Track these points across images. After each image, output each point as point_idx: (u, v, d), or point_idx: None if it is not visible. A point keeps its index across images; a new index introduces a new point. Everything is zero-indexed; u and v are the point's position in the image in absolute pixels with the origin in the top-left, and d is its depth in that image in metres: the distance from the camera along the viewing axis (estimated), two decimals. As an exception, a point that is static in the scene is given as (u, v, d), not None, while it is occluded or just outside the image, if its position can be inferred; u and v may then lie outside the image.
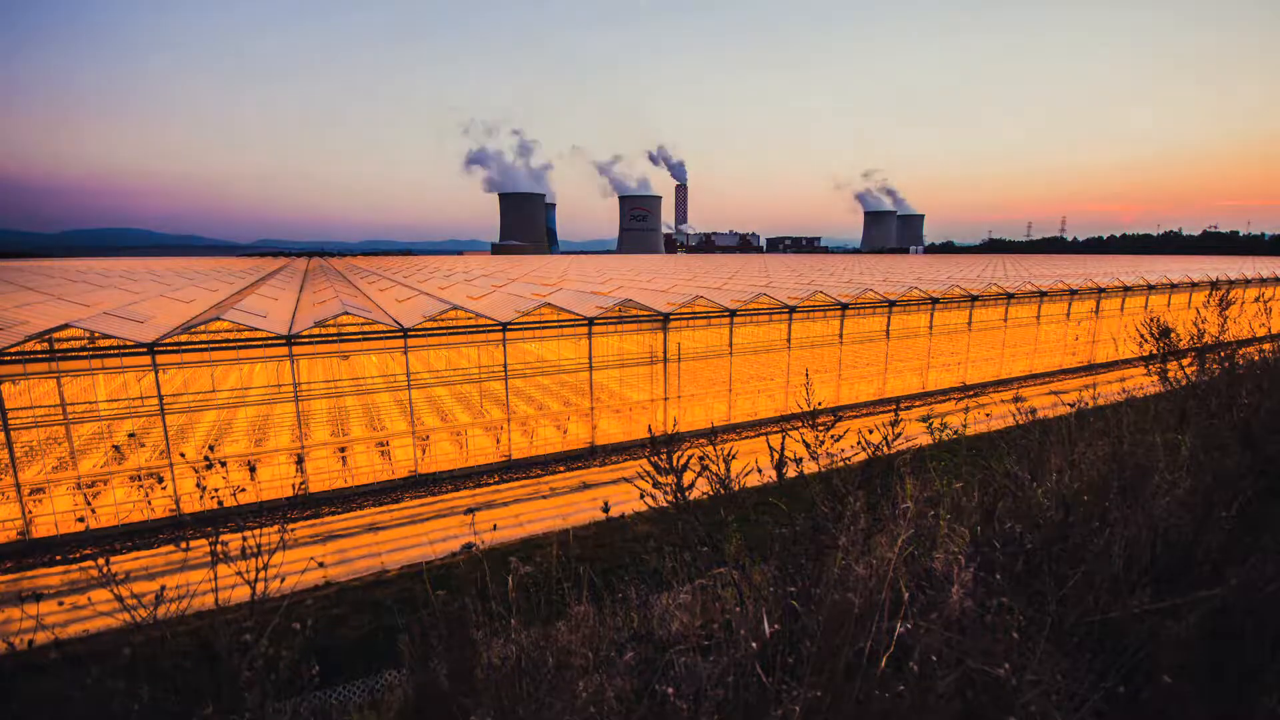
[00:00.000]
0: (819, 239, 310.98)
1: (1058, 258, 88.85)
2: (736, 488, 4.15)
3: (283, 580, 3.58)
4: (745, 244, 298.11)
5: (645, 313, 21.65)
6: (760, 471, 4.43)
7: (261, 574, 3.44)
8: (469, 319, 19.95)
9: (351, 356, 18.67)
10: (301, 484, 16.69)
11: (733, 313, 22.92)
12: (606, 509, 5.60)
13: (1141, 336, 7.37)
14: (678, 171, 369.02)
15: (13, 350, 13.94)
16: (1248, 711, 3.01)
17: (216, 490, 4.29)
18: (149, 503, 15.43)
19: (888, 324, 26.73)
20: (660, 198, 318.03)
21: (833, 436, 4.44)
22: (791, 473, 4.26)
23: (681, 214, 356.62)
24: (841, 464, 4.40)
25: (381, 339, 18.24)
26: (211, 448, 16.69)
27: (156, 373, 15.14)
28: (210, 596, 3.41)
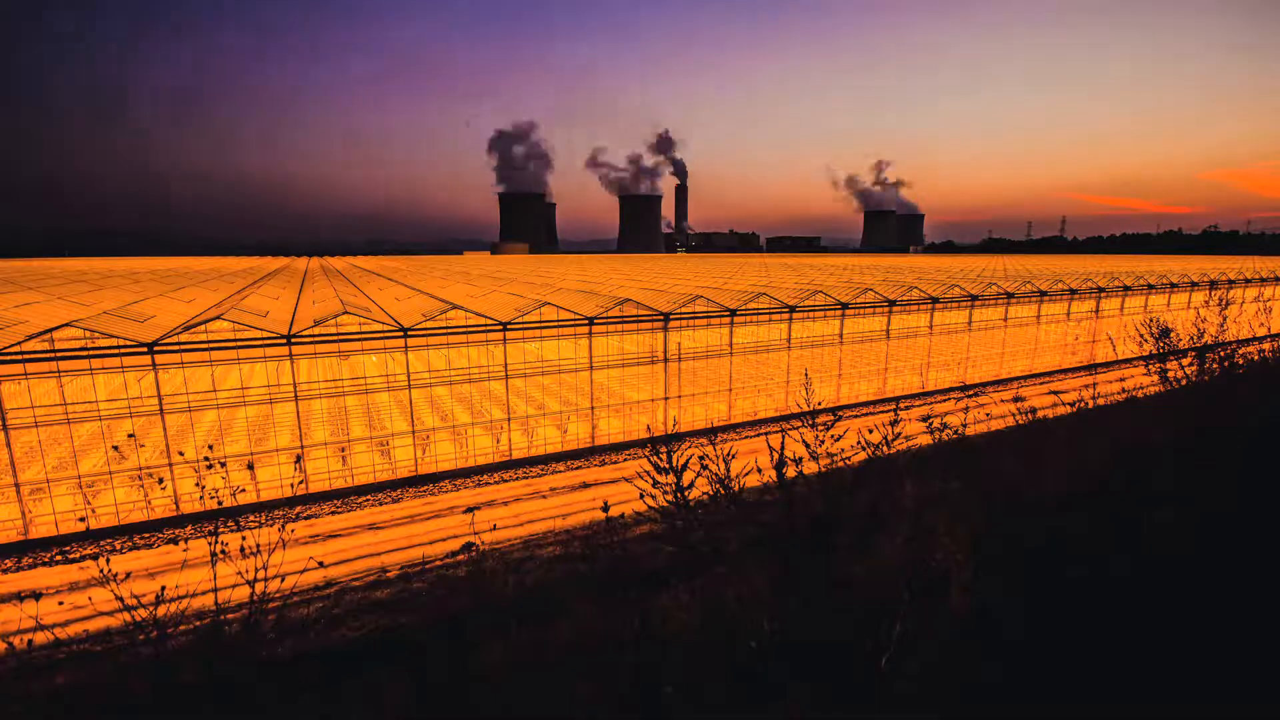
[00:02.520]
0: (819, 239, 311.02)
1: (1058, 257, 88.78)
2: (736, 487, 4.14)
3: (282, 580, 3.58)
4: (745, 243, 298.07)
5: (645, 312, 21.65)
6: (760, 471, 4.43)
7: (261, 574, 3.44)
8: (469, 319, 19.94)
9: (351, 356, 18.66)
10: (301, 483, 16.68)
11: (733, 312, 22.91)
12: (606, 508, 5.59)
13: (1141, 336, 7.37)
14: (678, 171, 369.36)
15: (13, 350, 13.94)
16: (1245, 711, 3.01)
17: (216, 490, 4.29)
18: (149, 502, 15.42)
19: (888, 324, 26.72)
20: (660, 198, 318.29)
21: (833, 436, 4.43)
22: (791, 472, 4.26)
23: (682, 213, 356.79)
24: (842, 464, 4.40)
25: (381, 338, 18.23)
26: (211, 447, 16.69)
27: (156, 372, 15.14)
28: (210, 596, 3.41)
